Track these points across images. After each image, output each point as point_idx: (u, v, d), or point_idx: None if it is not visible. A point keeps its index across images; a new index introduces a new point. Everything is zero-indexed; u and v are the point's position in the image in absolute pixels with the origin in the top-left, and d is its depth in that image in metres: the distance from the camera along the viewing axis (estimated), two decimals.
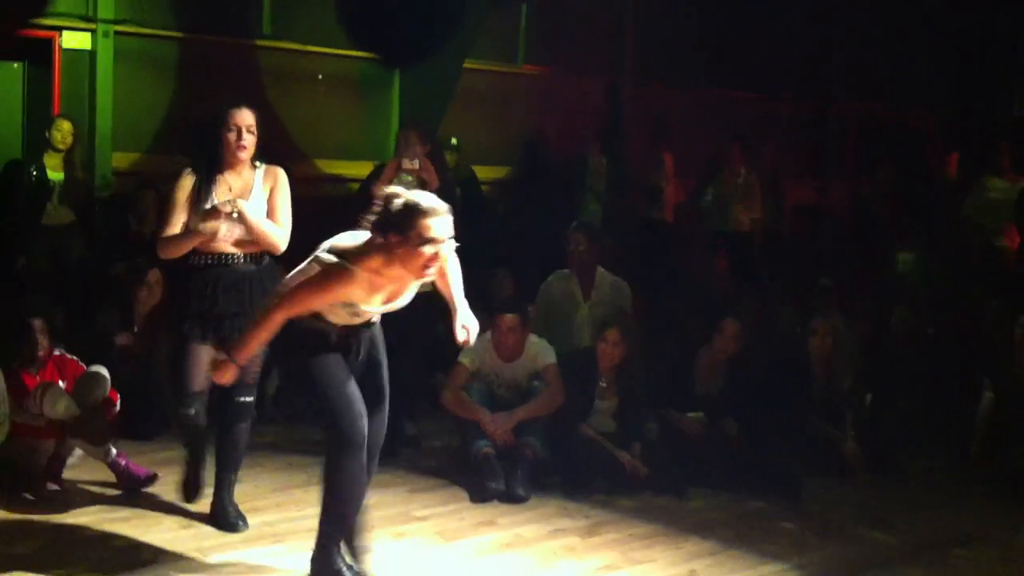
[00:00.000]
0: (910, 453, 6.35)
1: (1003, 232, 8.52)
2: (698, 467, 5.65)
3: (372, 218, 3.66)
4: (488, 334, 5.75)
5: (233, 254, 4.42)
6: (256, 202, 4.45)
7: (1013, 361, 6.32)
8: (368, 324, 3.93)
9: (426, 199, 3.68)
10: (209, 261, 4.41)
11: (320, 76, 9.11)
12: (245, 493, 4.77)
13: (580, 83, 10.15)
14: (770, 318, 7.55)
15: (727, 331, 6.15)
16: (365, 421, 3.83)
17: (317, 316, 3.77)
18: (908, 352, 7.23)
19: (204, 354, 4.35)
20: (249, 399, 4.51)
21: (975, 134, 10.42)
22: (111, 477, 5.02)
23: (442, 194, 5.74)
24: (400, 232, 3.59)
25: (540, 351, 5.75)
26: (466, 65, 9.18)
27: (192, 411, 4.45)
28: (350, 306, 3.74)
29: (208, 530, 4.52)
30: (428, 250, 3.61)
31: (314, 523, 4.54)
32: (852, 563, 4.70)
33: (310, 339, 3.79)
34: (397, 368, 5.85)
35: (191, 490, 4.67)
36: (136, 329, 6.08)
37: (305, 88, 8.96)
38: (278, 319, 3.70)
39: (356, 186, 7.93)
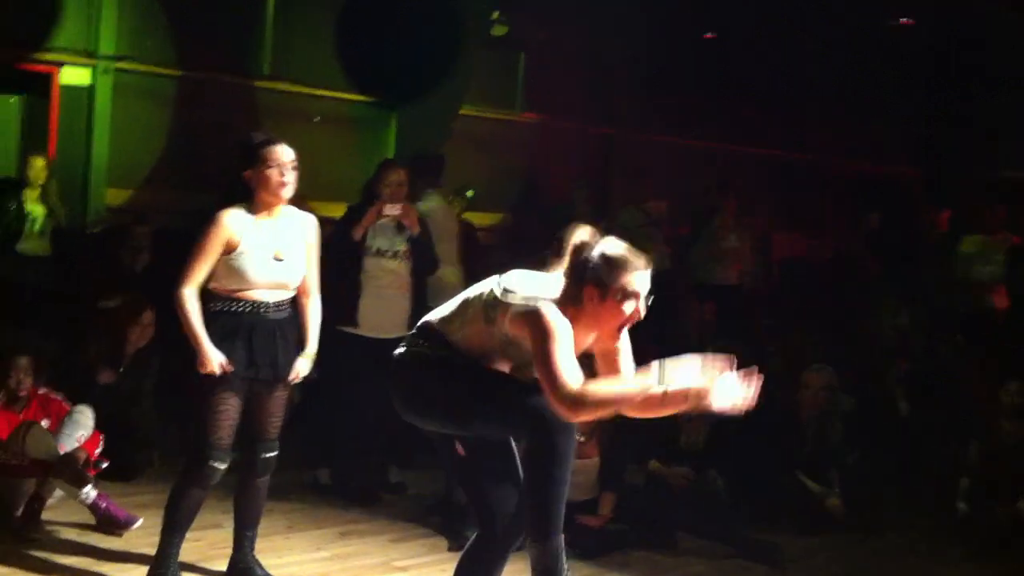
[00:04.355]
0: (894, 510, 6.34)
1: (993, 291, 8.53)
2: (682, 520, 5.62)
3: (567, 268, 3.32)
4: None
5: (266, 302, 4.21)
6: (297, 248, 4.29)
7: (998, 424, 6.33)
8: None
9: (627, 250, 3.30)
10: (243, 308, 4.18)
11: (317, 117, 9.17)
12: (225, 539, 4.73)
13: (577, 131, 10.22)
14: (757, 370, 7.55)
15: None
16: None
17: None
18: (896, 409, 7.28)
19: (235, 405, 4.20)
20: (274, 454, 4.40)
21: (963, 191, 10.47)
22: (91, 519, 4.99)
23: (419, 243, 5.84)
24: (599, 286, 3.24)
25: None
26: (464, 111, 9.25)
27: (225, 466, 4.23)
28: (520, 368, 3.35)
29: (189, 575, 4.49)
30: (628, 307, 3.25)
31: (296, 570, 4.57)
32: None
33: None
34: (388, 413, 5.91)
35: None
36: (122, 368, 6.06)
37: (302, 129, 9.00)
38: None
39: None
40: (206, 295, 4.20)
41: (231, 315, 4.17)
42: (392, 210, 5.71)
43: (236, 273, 4.16)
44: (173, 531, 4.28)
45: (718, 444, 6.07)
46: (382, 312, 5.83)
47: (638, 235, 8.70)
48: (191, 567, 4.59)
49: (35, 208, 7.30)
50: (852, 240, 9.95)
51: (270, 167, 4.16)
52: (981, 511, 6.16)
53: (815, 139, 11.69)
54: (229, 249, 4.15)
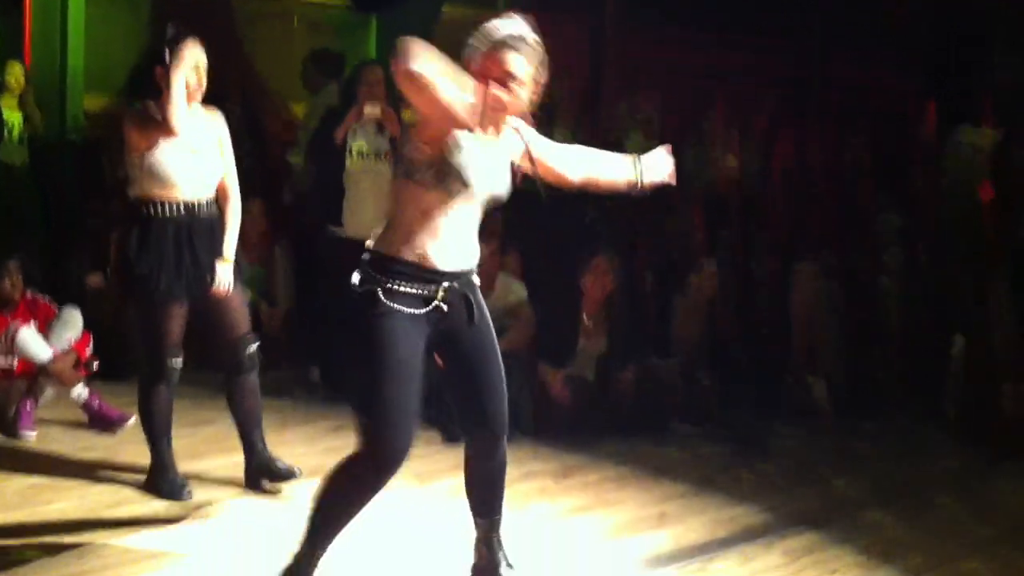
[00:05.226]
0: (881, 400, 6.41)
1: (979, 183, 8.52)
2: (673, 410, 5.68)
3: None
4: None
5: (199, 202, 4.14)
6: (211, 143, 4.21)
7: (986, 322, 6.38)
8: (462, 277, 3.24)
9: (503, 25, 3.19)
10: (175, 210, 4.10)
11: (296, 20, 9.02)
12: (217, 434, 4.77)
13: (562, 28, 10.06)
14: (747, 265, 7.56)
15: (704, 272, 6.18)
16: (410, 440, 3.15)
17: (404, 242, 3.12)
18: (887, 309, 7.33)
19: (182, 307, 4.16)
20: (256, 345, 4.35)
21: (954, 91, 10.32)
22: (84, 418, 5.02)
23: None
24: (473, 56, 3.15)
25: (512, 288, 5.81)
26: (446, 11, 9.09)
27: (180, 359, 4.24)
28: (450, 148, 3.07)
29: (186, 471, 4.46)
30: (497, 63, 3.10)
31: (290, 462, 4.61)
32: (822, 507, 4.73)
33: (377, 302, 3.08)
34: None
35: (175, 485, 4.32)
36: (108, 271, 6.04)
37: (281, 33, 8.87)
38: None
39: None
40: (136, 204, 4.13)
41: (165, 220, 4.10)
42: (372, 109, 5.68)
43: (156, 173, 4.07)
44: (158, 437, 4.29)
45: (710, 339, 6.13)
46: (367, 213, 5.79)
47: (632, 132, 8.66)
48: (186, 463, 4.59)
49: (12, 116, 7.19)
50: (846, 145, 9.83)
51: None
52: (968, 405, 6.25)
53: (814, 42, 11.47)
54: (146, 147, 4.06)
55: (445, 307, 3.18)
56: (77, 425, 5.02)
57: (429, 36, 9.38)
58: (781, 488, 4.92)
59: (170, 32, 4.12)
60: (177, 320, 4.17)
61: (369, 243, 3.21)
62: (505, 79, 3.12)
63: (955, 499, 5.00)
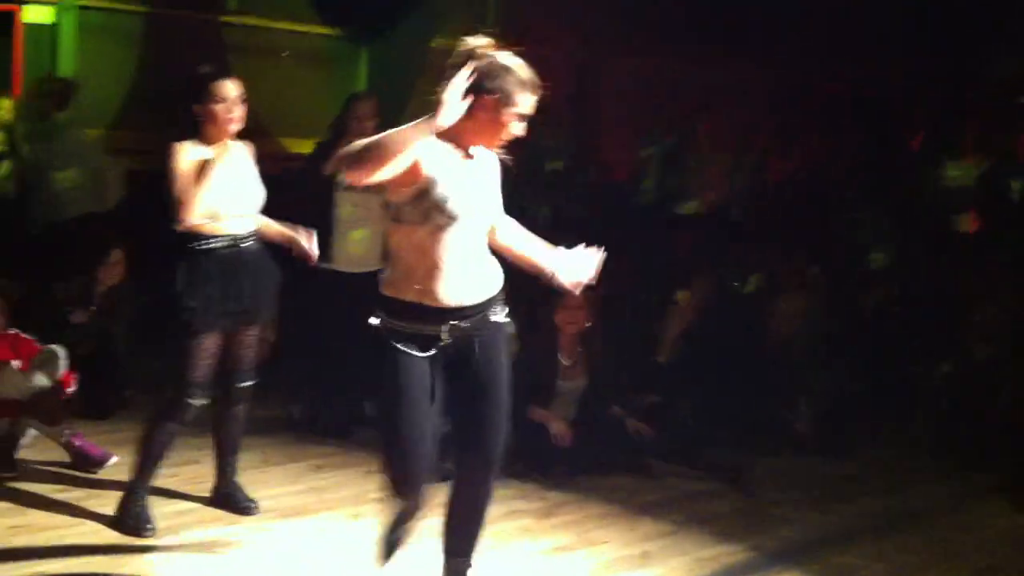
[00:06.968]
0: (863, 434, 6.40)
1: (964, 214, 8.48)
2: (652, 446, 5.65)
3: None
4: None
5: (240, 234, 4.24)
6: (251, 174, 4.34)
7: (969, 346, 6.38)
8: (472, 313, 3.30)
9: (523, 65, 3.23)
10: (220, 244, 4.21)
11: (285, 52, 9.06)
12: (201, 474, 4.76)
13: (551, 58, 10.07)
14: (728, 296, 7.55)
15: (682, 302, 6.18)
16: (420, 471, 3.32)
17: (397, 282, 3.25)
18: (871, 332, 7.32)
19: (215, 343, 4.23)
20: (250, 383, 4.44)
21: (945, 100, 10.13)
22: (66, 457, 5.00)
23: None
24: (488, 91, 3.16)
25: None
26: (435, 44, 9.14)
27: (201, 403, 4.28)
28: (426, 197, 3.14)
29: (166, 511, 4.49)
30: (509, 116, 3.19)
31: (272, 503, 4.62)
32: (804, 546, 4.72)
33: (383, 340, 3.24)
34: (357, 346, 5.89)
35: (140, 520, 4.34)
36: (94, 307, 6.04)
37: (270, 65, 8.91)
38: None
39: None
40: (182, 236, 4.21)
41: (208, 252, 4.20)
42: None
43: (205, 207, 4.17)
44: (146, 465, 4.32)
45: (689, 370, 6.11)
46: (355, 247, 5.81)
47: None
48: (167, 502, 4.61)
49: (1, 149, 7.22)
50: (828, 158, 9.77)
51: (217, 102, 4.19)
52: (951, 432, 6.23)
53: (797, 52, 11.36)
54: None
55: (451, 346, 3.26)
56: (59, 464, 4.99)
57: (419, 66, 9.46)
58: (764, 526, 4.90)
59: (204, 71, 4.25)
60: (209, 354, 4.23)
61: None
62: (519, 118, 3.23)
63: (935, 534, 4.98)
